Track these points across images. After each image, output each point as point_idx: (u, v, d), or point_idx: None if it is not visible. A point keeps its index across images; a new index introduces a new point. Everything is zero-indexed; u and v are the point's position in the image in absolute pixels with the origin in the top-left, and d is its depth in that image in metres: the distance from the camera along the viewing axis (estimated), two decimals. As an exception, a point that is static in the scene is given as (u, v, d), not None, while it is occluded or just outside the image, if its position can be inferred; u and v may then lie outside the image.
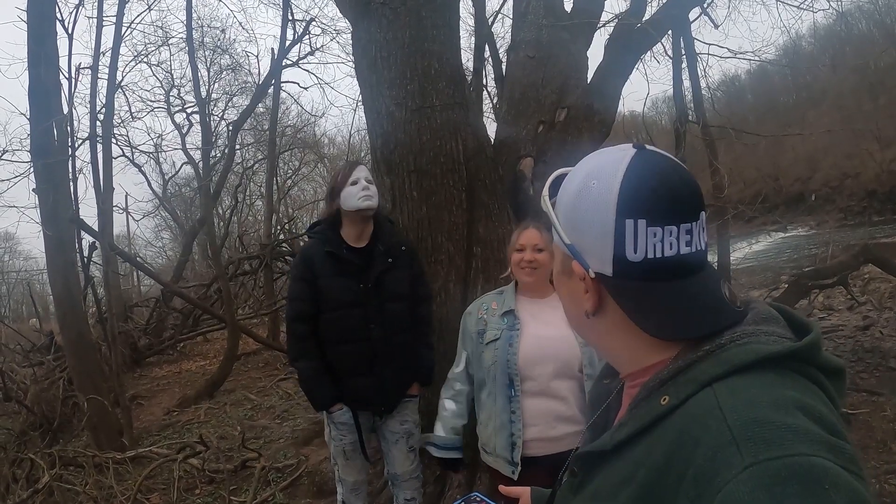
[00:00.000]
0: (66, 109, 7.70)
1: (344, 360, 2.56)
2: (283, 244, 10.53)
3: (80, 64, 9.68)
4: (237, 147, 13.71)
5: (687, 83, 6.07)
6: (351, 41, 3.89)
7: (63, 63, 7.49)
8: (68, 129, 7.63)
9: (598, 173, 0.73)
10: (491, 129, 4.06)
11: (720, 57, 6.57)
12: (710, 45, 6.37)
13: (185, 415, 6.51)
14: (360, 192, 2.54)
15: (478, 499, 1.03)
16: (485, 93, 7.60)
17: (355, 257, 2.58)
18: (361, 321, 2.53)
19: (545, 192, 0.81)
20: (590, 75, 4.25)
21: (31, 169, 6.40)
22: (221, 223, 16.15)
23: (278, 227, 12.72)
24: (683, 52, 6.22)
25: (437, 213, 3.21)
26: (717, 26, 6.96)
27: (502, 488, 1.13)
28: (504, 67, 5.30)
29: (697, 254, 0.71)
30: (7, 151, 7.69)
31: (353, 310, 2.53)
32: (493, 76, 7.01)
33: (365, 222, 2.63)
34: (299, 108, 18.24)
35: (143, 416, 6.69)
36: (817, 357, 0.66)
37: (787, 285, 6.54)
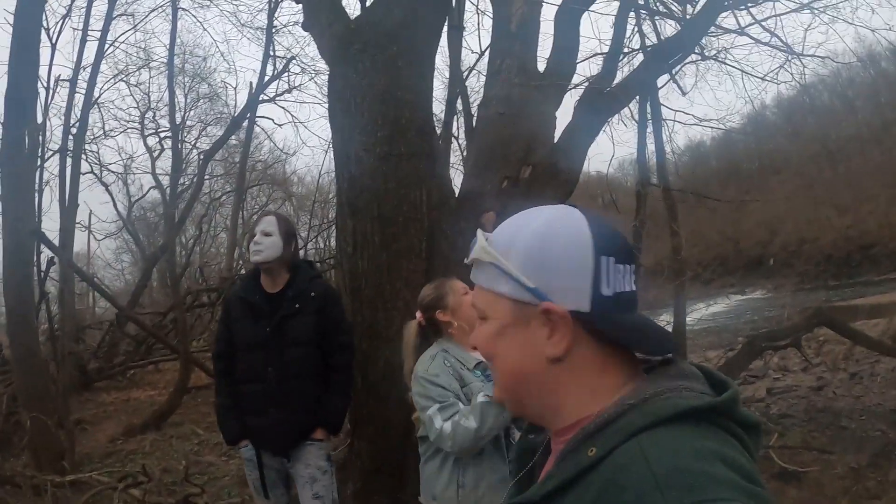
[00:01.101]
0: (40, 119, 7.63)
1: (246, 398, 2.68)
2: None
3: (59, 75, 9.60)
4: (206, 177, 13.68)
5: (652, 147, 6.34)
6: (328, 83, 4.00)
7: (42, 72, 7.48)
8: (40, 139, 7.54)
9: (561, 219, 0.78)
10: (458, 180, 4.18)
11: (685, 123, 6.89)
12: (676, 111, 6.66)
13: (130, 444, 6.31)
14: (251, 248, 2.69)
15: None
16: (455, 144, 7.78)
17: (264, 302, 2.69)
18: (262, 363, 2.64)
19: (485, 241, 0.81)
20: (557, 134, 4.41)
21: (-2, 174, 6.29)
22: (183, 252, 15.99)
23: (240, 262, 12.58)
24: (650, 116, 6.50)
25: (396, 261, 3.29)
26: (684, 94, 7.28)
27: None
28: (474, 121, 5.46)
29: (636, 293, 0.80)
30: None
31: (255, 352, 2.66)
32: (463, 129, 7.19)
33: (271, 272, 2.71)
34: (272, 144, 18.32)
35: (86, 441, 6.46)
36: (735, 412, 0.70)
37: (741, 346, 6.72)
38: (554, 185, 4.11)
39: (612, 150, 7.42)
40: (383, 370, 3.29)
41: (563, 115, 4.75)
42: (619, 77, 4.98)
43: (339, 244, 3.64)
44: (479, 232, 0.84)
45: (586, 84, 5.03)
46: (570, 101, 4.92)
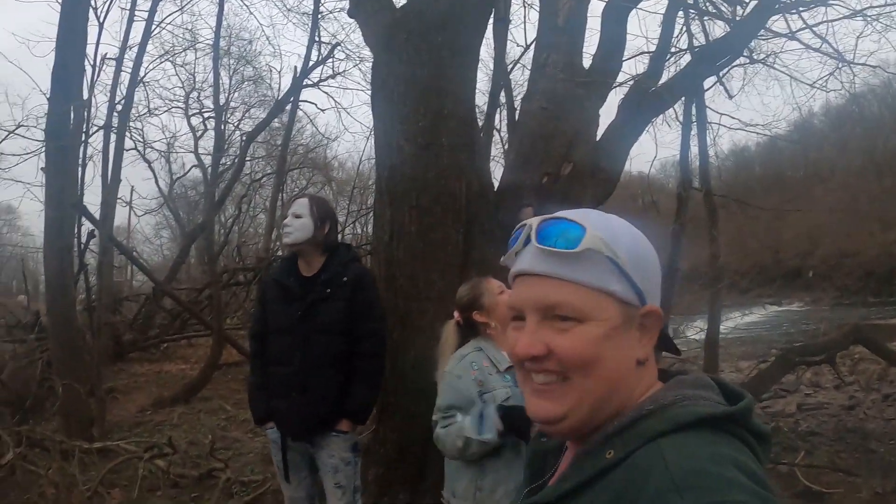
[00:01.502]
0: (85, 96, 7.82)
1: (273, 381, 2.68)
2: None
3: (105, 54, 9.81)
4: (248, 158, 13.84)
5: (695, 150, 6.20)
6: (371, 71, 3.99)
7: (89, 50, 7.66)
8: (86, 115, 7.74)
9: (634, 228, 0.80)
10: (498, 173, 4.14)
11: (731, 127, 6.68)
12: (721, 114, 6.48)
13: (159, 415, 6.45)
14: (283, 229, 2.67)
15: None
16: (497, 137, 7.74)
17: (297, 285, 2.66)
18: (290, 347, 2.62)
19: (597, 231, 0.74)
20: (600, 132, 4.34)
21: (43, 148, 6.48)
22: (222, 231, 16.17)
23: (277, 243, 12.74)
24: (694, 118, 6.36)
25: (432, 251, 3.27)
26: (731, 97, 7.10)
27: None
28: (517, 115, 5.41)
29: None
30: (22, 126, 7.79)
31: (284, 335, 2.65)
32: (506, 122, 7.14)
33: (304, 254, 2.69)
34: (314, 128, 18.42)
35: (116, 411, 6.63)
36: (749, 422, 0.72)
37: (774, 358, 6.56)
38: (594, 183, 4.04)
39: (654, 150, 7.31)
40: (413, 360, 3.29)
41: (607, 113, 4.68)
42: (665, 77, 4.90)
43: (376, 232, 3.65)
44: (581, 215, 0.76)
45: (631, 83, 4.96)
46: (614, 99, 4.86)
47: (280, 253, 11.44)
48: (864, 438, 5.23)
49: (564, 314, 0.73)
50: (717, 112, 6.64)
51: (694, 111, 6.36)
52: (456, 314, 2.32)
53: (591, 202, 4.09)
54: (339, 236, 3.00)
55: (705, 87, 6.11)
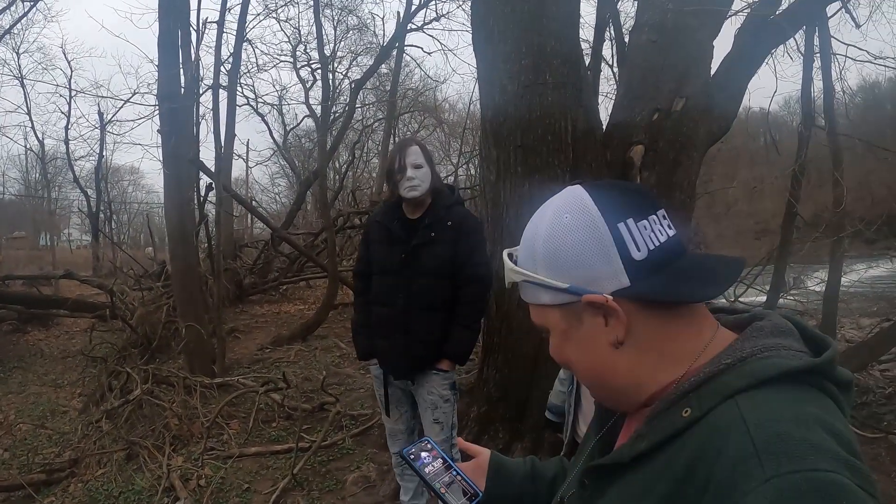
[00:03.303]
0: (192, 59, 8.22)
1: (375, 320, 2.75)
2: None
3: (206, 18, 10.23)
4: (358, 105, 14.12)
5: (819, 85, 5.66)
6: (470, 10, 3.90)
7: (191, 17, 7.98)
8: (194, 76, 8.14)
9: (564, 208, 0.75)
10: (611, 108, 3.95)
11: (858, 60, 5.92)
12: (848, 45, 5.82)
13: (277, 353, 6.81)
14: (405, 184, 2.62)
15: (428, 445, 1.05)
16: (609, 73, 7.37)
17: (401, 229, 2.68)
18: (392, 289, 2.68)
19: (511, 263, 0.81)
20: (714, 65, 4.05)
21: (157, 112, 6.92)
22: (336, 177, 16.60)
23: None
24: (817, 50, 5.78)
25: (539, 191, 3.18)
26: (858, 26, 6.39)
27: (460, 441, 1.17)
28: (626, 49, 5.13)
29: (678, 234, 0.76)
30: (137, 94, 8.33)
31: (387, 277, 2.70)
32: (615, 56, 6.79)
33: (416, 201, 2.69)
34: (422, 72, 18.51)
35: (236, 349, 7.08)
36: (833, 372, 0.67)
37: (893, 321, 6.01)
38: (708, 120, 3.80)
39: (774, 85, 6.71)
40: (518, 300, 3.28)
41: (721, 44, 4.35)
42: (784, 3, 4.48)
43: (483, 172, 3.63)
44: (504, 255, 0.84)
45: (748, 10, 4.58)
46: (729, 29, 4.50)
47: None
48: None
49: (542, 330, 0.82)
50: (843, 43, 5.99)
51: (817, 41, 5.77)
52: None
53: (706, 139, 3.86)
54: (452, 178, 3.00)
55: (829, 14, 5.51)
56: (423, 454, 1.02)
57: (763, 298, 5.45)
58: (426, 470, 1.00)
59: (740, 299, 5.44)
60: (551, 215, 0.76)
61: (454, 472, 1.00)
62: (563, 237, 0.74)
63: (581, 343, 0.76)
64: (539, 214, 0.79)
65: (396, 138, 16.73)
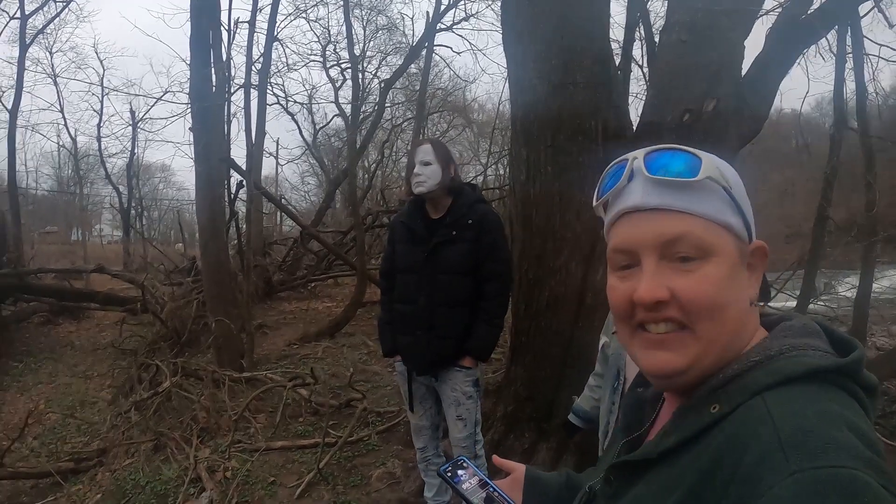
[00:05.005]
0: (224, 58, 8.37)
1: (398, 317, 2.81)
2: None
3: (238, 18, 10.44)
4: (387, 104, 14.17)
5: (852, 86, 5.56)
6: (500, 10, 3.92)
7: (223, 17, 8.14)
8: (226, 75, 8.29)
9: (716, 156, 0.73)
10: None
11: (890, 60, 5.76)
12: (881, 45, 5.71)
13: (305, 349, 6.88)
14: (413, 180, 2.70)
15: (464, 464, 1.07)
16: (639, 73, 7.33)
17: (423, 228, 2.74)
18: (414, 287, 2.73)
19: (718, 165, 0.71)
20: (745, 66, 4.01)
21: (188, 110, 7.05)
22: (366, 175, 16.76)
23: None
24: (850, 50, 5.69)
25: (568, 191, 3.22)
26: (891, 26, 6.25)
27: (496, 459, 1.14)
28: (656, 49, 5.10)
29: None
30: (168, 92, 8.50)
31: (410, 275, 2.76)
32: (646, 56, 6.75)
33: (432, 197, 2.73)
34: (451, 72, 18.55)
35: (265, 344, 7.16)
36: (859, 374, 0.67)
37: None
38: (739, 121, 3.75)
39: (806, 86, 6.61)
40: (547, 299, 3.30)
41: (753, 45, 4.30)
42: (816, 3, 4.41)
43: (513, 171, 3.64)
44: (690, 150, 0.71)
45: (780, 10, 4.51)
46: (760, 28, 4.44)
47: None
48: None
49: (686, 252, 0.68)
50: (876, 43, 5.87)
51: (849, 41, 5.68)
52: None
53: (737, 141, 3.82)
54: (481, 178, 3.03)
55: (861, 13, 5.41)
56: (460, 472, 1.04)
57: (793, 304, 5.37)
58: (463, 486, 1.01)
59: (770, 304, 5.37)
60: (712, 156, 0.72)
61: (491, 489, 1.01)
62: (737, 178, 0.73)
63: (741, 287, 0.71)
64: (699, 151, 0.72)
65: (426, 138, 16.82)
